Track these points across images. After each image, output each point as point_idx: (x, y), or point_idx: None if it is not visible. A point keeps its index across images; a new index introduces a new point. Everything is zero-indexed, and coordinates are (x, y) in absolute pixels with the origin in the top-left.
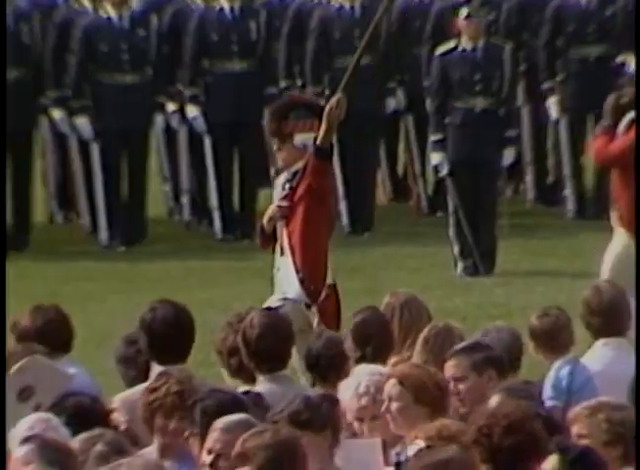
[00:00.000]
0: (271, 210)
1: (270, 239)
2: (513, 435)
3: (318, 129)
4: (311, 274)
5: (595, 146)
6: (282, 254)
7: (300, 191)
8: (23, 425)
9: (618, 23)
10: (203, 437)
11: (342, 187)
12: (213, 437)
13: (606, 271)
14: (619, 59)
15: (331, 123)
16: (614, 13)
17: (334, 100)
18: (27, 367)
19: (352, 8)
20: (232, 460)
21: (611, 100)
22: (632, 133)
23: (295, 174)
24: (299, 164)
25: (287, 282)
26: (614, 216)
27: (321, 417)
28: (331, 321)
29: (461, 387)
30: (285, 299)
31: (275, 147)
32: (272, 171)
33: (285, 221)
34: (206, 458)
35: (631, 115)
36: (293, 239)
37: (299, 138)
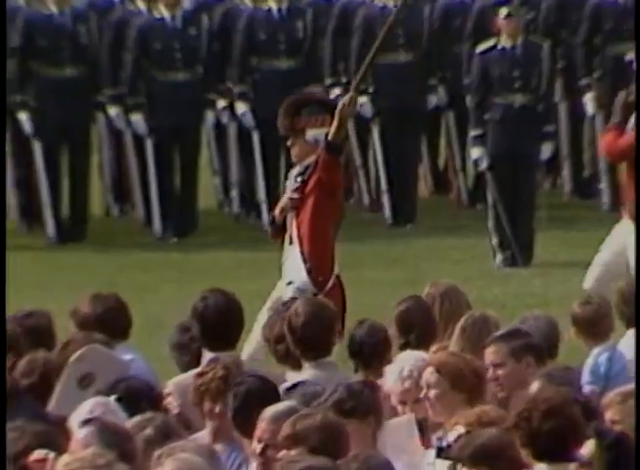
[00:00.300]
0: (283, 201)
1: (281, 230)
2: (552, 419)
3: (330, 125)
4: (318, 265)
5: (605, 141)
6: (290, 243)
7: (311, 184)
8: (84, 408)
9: None
10: (234, 421)
11: (384, 181)
12: (262, 426)
13: (605, 258)
14: (629, 56)
15: (342, 120)
16: None
17: (347, 98)
18: (87, 355)
19: (396, 6)
20: (282, 442)
21: (621, 97)
22: None
23: (307, 168)
24: (311, 159)
25: (295, 271)
26: (624, 211)
27: (364, 405)
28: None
29: (500, 372)
30: (297, 289)
31: (289, 142)
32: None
33: (295, 212)
34: (256, 447)
35: None
36: (301, 230)
37: (311, 133)
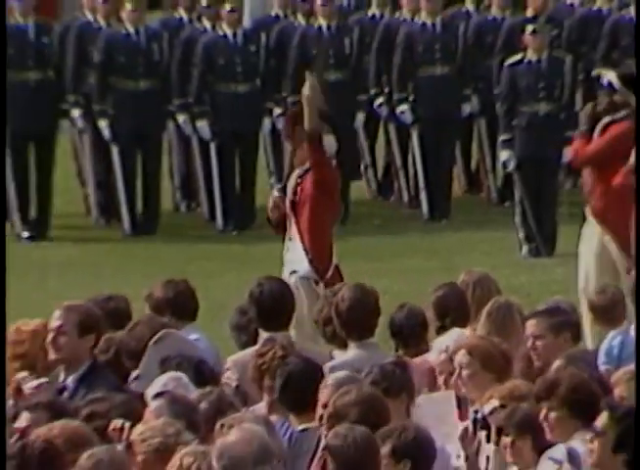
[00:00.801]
0: (271, 200)
1: (279, 225)
2: (576, 393)
3: (328, 133)
4: (318, 256)
5: (574, 148)
6: (290, 239)
7: (307, 184)
8: (158, 383)
9: None
10: (280, 398)
11: (422, 180)
12: (325, 393)
13: (590, 263)
14: (595, 72)
15: (310, 107)
16: None
17: (305, 87)
18: (164, 339)
19: (434, 24)
20: (327, 419)
21: (587, 108)
22: (606, 136)
23: (306, 171)
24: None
25: (297, 262)
26: (588, 209)
27: (397, 383)
28: None
29: (538, 344)
30: (301, 277)
31: (290, 148)
32: (362, 166)
33: (292, 211)
34: (321, 412)
35: (605, 120)
36: (301, 226)
37: None
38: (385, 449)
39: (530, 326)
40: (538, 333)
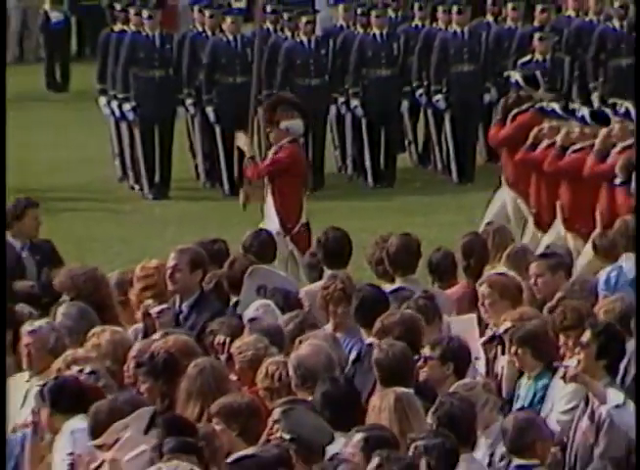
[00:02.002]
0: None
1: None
2: (574, 314)
3: (297, 118)
4: (286, 215)
5: (490, 133)
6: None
7: (273, 160)
8: (251, 308)
9: None
10: (356, 316)
11: (453, 153)
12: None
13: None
14: (505, 74)
15: (247, 149)
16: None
17: (240, 141)
18: (256, 272)
19: (462, 32)
20: (375, 334)
21: (502, 101)
22: (513, 123)
23: (280, 147)
24: (283, 141)
25: (271, 220)
26: (503, 177)
27: (430, 312)
28: (304, 248)
29: (539, 281)
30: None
31: (267, 129)
32: (406, 142)
33: (269, 180)
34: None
35: (514, 111)
36: (275, 191)
37: (284, 124)
38: (434, 354)
39: (533, 267)
40: (539, 272)
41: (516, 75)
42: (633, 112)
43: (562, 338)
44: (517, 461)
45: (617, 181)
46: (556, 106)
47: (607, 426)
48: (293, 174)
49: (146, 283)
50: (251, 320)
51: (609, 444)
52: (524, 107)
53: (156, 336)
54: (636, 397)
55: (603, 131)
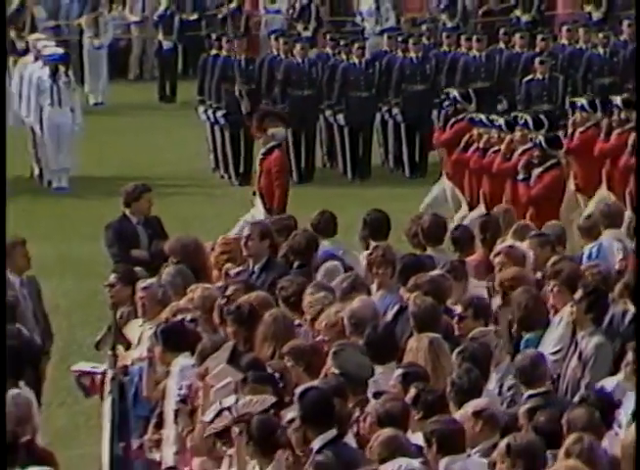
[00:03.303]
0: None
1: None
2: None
3: (281, 126)
4: (271, 206)
5: (434, 136)
6: (254, 194)
7: (266, 162)
8: (321, 271)
9: (621, 65)
10: (399, 278)
11: None
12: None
13: (434, 193)
14: (446, 90)
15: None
16: (618, 60)
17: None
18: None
19: (480, 56)
20: (408, 290)
21: (442, 112)
22: (452, 130)
23: (268, 150)
24: (271, 144)
25: (258, 210)
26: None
27: (460, 272)
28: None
29: (530, 254)
30: (257, 217)
31: (258, 135)
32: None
33: (257, 176)
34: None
35: (452, 120)
36: (263, 186)
37: (270, 131)
38: (468, 313)
39: (526, 244)
40: (531, 248)
41: (454, 92)
42: (531, 123)
43: (555, 287)
44: (528, 391)
45: (520, 177)
46: (482, 116)
47: (591, 363)
48: (276, 172)
49: (224, 249)
50: (315, 282)
51: (593, 376)
52: (459, 116)
53: (229, 291)
54: (636, 396)
55: (507, 138)
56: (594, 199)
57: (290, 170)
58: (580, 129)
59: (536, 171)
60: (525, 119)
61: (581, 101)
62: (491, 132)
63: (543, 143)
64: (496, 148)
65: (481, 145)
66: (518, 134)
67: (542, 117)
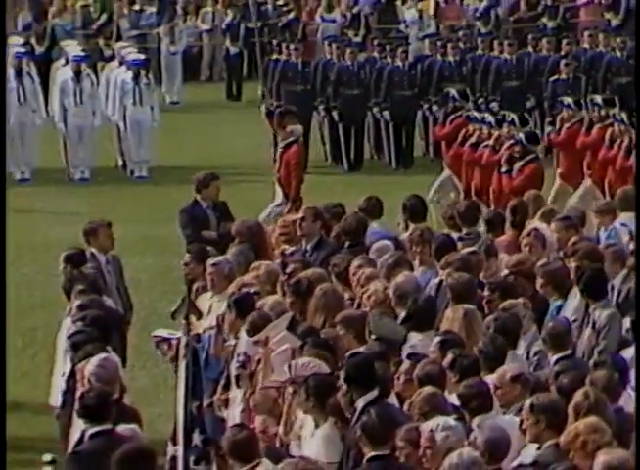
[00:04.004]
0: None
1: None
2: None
3: (297, 124)
4: (288, 194)
5: (435, 131)
6: (274, 183)
7: (285, 155)
8: (373, 249)
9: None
10: (434, 254)
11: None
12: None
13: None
14: (446, 89)
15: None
16: (634, 62)
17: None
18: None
19: (511, 59)
20: (442, 267)
21: (443, 109)
22: (452, 125)
23: (286, 144)
24: (289, 139)
25: (277, 196)
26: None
27: (492, 250)
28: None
29: (556, 235)
30: (277, 205)
31: (278, 132)
32: None
33: (277, 168)
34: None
35: (451, 116)
36: (282, 176)
37: (289, 128)
38: (494, 296)
39: (553, 226)
40: (556, 230)
41: (452, 91)
42: (517, 121)
43: (573, 263)
44: (556, 356)
45: (503, 170)
46: (477, 114)
47: (604, 332)
48: (292, 164)
49: (282, 231)
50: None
51: (606, 344)
52: (457, 113)
53: (289, 269)
54: (637, 395)
55: (495, 133)
56: (579, 190)
57: (341, 161)
58: (567, 125)
59: (517, 165)
60: (512, 118)
61: (567, 100)
62: (483, 128)
63: (523, 140)
64: (486, 143)
65: (473, 140)
66: (505, 131)
67: (527, 115)
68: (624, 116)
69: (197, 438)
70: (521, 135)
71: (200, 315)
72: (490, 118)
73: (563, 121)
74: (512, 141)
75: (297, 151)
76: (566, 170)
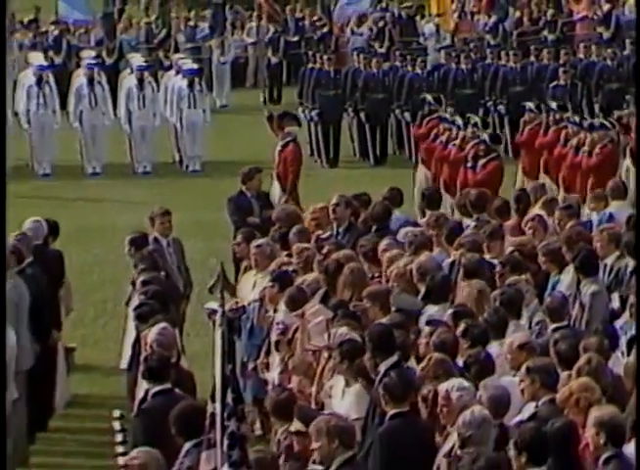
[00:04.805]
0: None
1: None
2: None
3: (295, 125)
4: (285, 187)
5: (413, 131)
6: (272, 177)
7: (283, 154)
8: (401, 233)
9: (625, 73)
10: (446, 238)
11: (509, 136)
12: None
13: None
14: (422, 95)
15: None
16: (623, 70)
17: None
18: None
19: (516, 67)
20: (454, 248)
21: (420, 113)
22: (427, 126)
23: (285, 144)
24: (287, 139)
25: (276, 189)
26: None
27: (499, 233)
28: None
29: (550, 222)
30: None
31: (276, 133)
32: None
33: (277, 163)
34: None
35: (427, 118)
36: (280, 171)
37: (287, 129)
38: (505, 270)
39: (555, 212)
40: (559, 218)
41: (429, 97)
42: (480, 123)
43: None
44: (554, 325)
45: (469, 165)
46: (447, 116)
47: (588, 307)
48: (290, 162)
49: (314, 217)
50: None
51: (590, 317)
52: (433, 115)
53: (325, 250)
54: (637, 396)
55: (461, 133)
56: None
57: (368, 156)
58: (529, 127)
59: (481, 162)
60: (476, 121)
61: (529, 105)
62: (452, 129)
63: (487, 140)
64: (454, 142)
65: (443, 139)
66: (469, 132)
67: (488, 119)
68: (577, 118)
69: (229, 396)
70: (485, 136)
71: (234, 290)
72: (459, 121)
73: (525, 124)
74: (476, 140)
75: (294, 149)
76: (528, 166)
